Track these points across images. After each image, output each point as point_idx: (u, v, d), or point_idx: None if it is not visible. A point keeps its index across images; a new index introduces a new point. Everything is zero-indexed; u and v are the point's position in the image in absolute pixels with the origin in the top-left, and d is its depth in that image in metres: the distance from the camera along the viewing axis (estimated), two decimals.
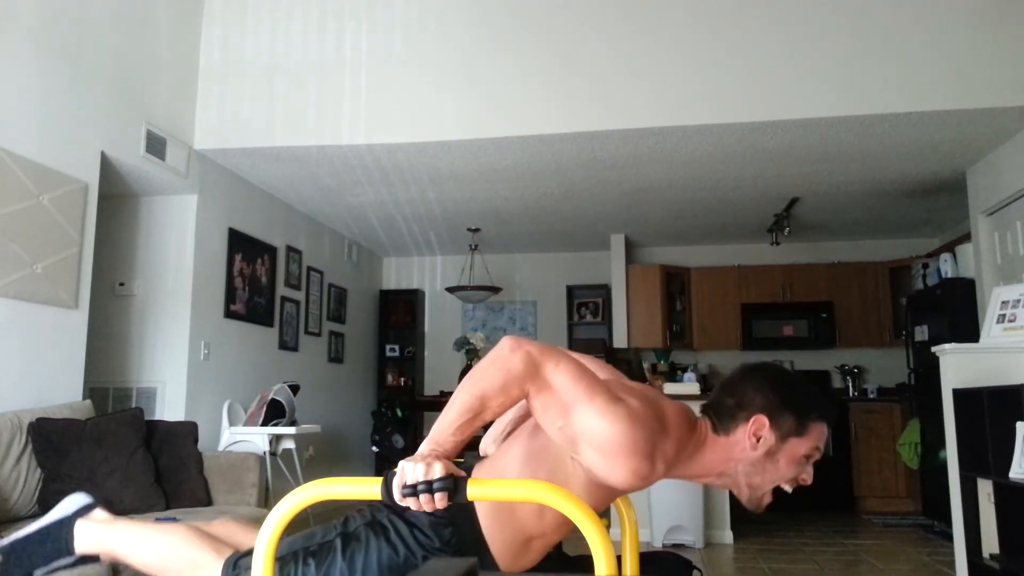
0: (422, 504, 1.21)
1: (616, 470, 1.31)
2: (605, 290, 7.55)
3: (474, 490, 1.22)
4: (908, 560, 4.41)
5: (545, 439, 1.41)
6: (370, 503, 1.48)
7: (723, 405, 1.45)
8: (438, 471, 1.21)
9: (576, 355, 1.43)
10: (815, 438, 1.41)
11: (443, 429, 1.28)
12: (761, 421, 1.39)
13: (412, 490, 1.21)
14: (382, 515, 1.48)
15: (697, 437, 1.43)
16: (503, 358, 1.29)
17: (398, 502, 1.23)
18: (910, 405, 5.99)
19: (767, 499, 1.44)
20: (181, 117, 4.41)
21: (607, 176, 5.09)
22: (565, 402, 1.30)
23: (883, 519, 5.91)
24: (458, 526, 1.44)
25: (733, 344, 7.08)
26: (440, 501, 1.21)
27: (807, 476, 1.42)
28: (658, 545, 4.62)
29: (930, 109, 3.93)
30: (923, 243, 7.04)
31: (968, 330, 4.64)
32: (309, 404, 5.79)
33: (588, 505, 1.39)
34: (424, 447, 1.27)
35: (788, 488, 1.44)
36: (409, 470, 1.21)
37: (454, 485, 1.21)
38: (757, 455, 1.40)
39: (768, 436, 1.39)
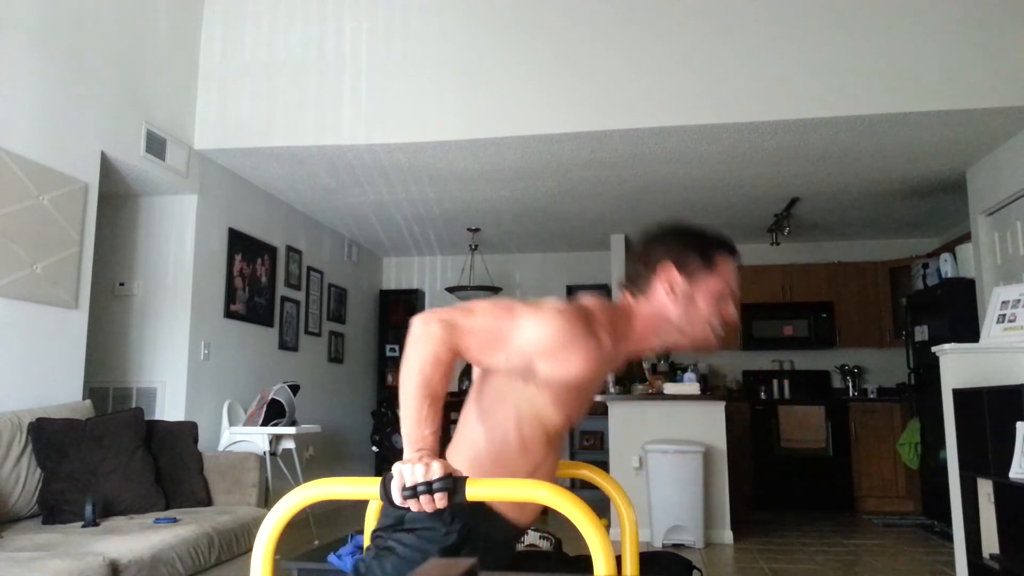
0: (423, 505, 1.21)
1: (572, 360, 1.33)
2: (605, 290, 7.54)
3: (473, 489, 1.22)
4: (908, 560, 4.41)
5: (493, 390, 1.42)
6: (373, 535, 1.47)
7: (635, 272, 1.49)
8: (437, 471, 1.21)
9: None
10: (724, 272, 1.46)
11: (414, 426, 1.27)
12: (669, 269, 1.43)
13: (412, 492, 1.21)
14: (383, 540, 1.47)
15: (624, 310, 1.47)
16: (420, 334, 1.29)
17: (398, 504, 1.23)
18: (910, 405, 6.00)
19: (710, 336, 1.46)
20: (181, 117, 4.41)
21: (607, 176, 5.09)
22: (497, 334, 1.32)
23: (883, 519, 5.91)
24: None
25: (733, 344, 7.07)
26: (440, 501, 1.21)
27: (730, 312, 1.46)
28: (658, 545, 4.62)
29: (930, 109, 3.93)
30: (923, 243, 7.04)
31: (968, 330, 4.64)
32: (309, 404, 5.79)
33: (570, 415, 1.41)
34: (410, 449, 1.26)
35: (720, 329, 1.47)
36: (408, 472, 1.21)
37: (453, 484, 1.21)
38: (678, 302, 1.43)
39: (680, 281, 1.43)
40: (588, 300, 1.45)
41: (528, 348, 1.33)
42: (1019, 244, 4.31)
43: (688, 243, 1.46)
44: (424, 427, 1.28)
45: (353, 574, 1.48)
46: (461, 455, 1.45)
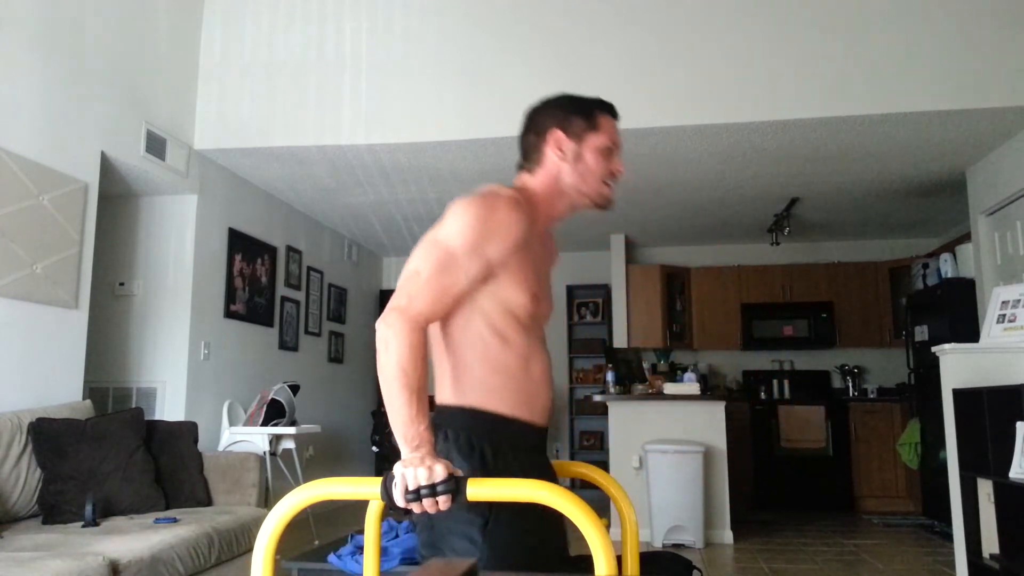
0: (425, 507, 1.21)
1: (508, 220, 1.40)
2: (605, 290, 7.55)
3: (474, 490, 1.22)
4: (908, 560, 4.41)
5: (457, 329, 1.44)
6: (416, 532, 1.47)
7: (526, 146, 1.60)
8: (440, 473, 1.21)
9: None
10: (606, 128, 1.55)
11: (408, 424, 1.28)
12: (556, 134, 1.54)
13: (415, 495, 1.21)
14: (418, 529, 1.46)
15: (526, 189, 1.56)
16: (385, 334, 1.31)
17: (401, 507, 1.23)
18: (910, 405, 6.00)
19: (606, 191, 1.56)
20: (181, 117, 4.41)
21: None
22: (445, 266, 1.36)
23: (883, 519, 5.91)
24: (463, 431, 1.43)
25: (733, 344, 7.08)
26: (444, 503, 1.21)
27: (618, 166, 1.56)
28: (658, 545, 4.62)
29: (930, 109, 3.93)
30: (923, 243, 7.04)
31: (968, 330, 4.64)
32: (309, 404, 5.79)
33: (535, 292, 1.45)
34: (408, 448, 1.26)
35: (610, 183, 1.56)
36: (411, 476, 1.21)
37: (456, 485, 1.21)
38: (569, 163, 1.53)
39: (567, 143, 1.53)
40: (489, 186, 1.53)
41: (469, 243, 1.37)
42: (1019, 244, 4.31)
43: (570, 107, 1.56)
44: (418, 423, 1.28)
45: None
46: (452, 387, 1.46)
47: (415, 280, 1.36)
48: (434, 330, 1.48)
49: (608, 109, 1.59)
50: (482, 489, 1.23)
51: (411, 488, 1.21)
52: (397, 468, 1.24)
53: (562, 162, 1.54)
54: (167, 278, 4.46)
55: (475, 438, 1.41)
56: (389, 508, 1.42)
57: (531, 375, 1.48)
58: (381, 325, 1.33)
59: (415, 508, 1.22)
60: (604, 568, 1.13)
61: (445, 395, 1.48)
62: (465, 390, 1.44)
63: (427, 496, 1.21)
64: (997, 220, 4.60)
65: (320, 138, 4.41)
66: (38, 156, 3.36)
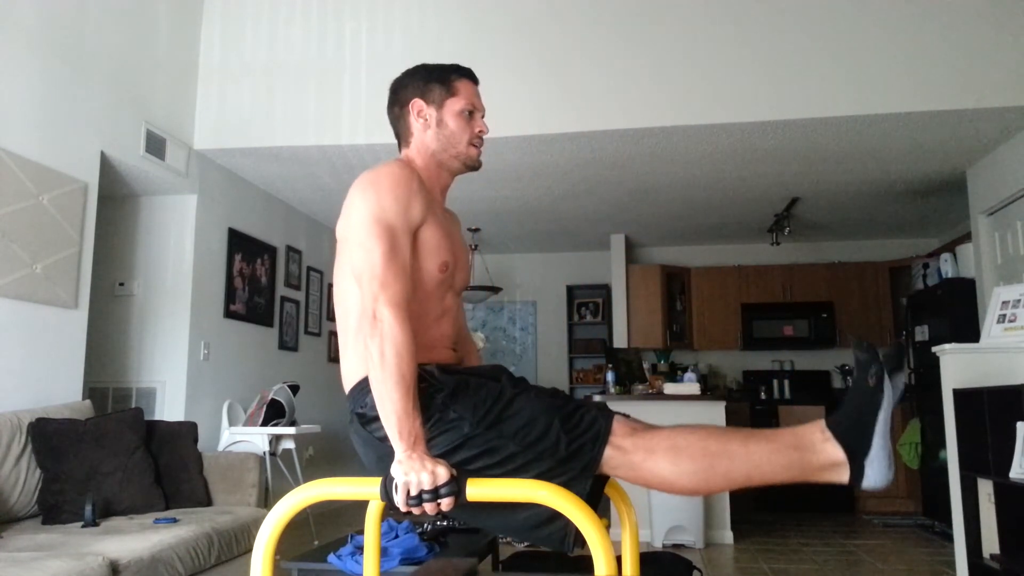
0: (427, 510, 1.21)
1: (409, 185, 1.45)
2: (605, 290, 7.55)
3: (473, 490, 1.22)
4: (908, 560, 4.41)
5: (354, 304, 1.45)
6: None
7: (393, 121, 1.66)
8: (443, 476, 1.21)
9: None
10: (464, 91, 1.61)
11: (403, 418, 1.27)
12: (416, 104, 1.60)
13: (417, 499, 1.21)
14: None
15: (408, 164, 1.57)
16: (376, 329, 1.32)
17: (403, 510, 1.23)
18: (910, 405, 5.99)
19: (472, 153, 1.61)
20: (181, 117, 4.41)
21: (607, 176, 5.08)
22: (393, 237, 1.40)
23: (883, 519, 5.91)
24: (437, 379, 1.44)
25: (733, 344, 7.08)
26: (446, 505, 1.21)
27: (480, 126, 1.62)
28: (658, 545, 4.62)
29: (930, 109, 3.93)
30: (923, 243, 7.04)
31: (968, 330, 4.64)
32: (309, 404, 5.78)
33: (446, 259, 1.48)
34: (403, 444, 1.26)
35: (476, 145, 1.62)
36: (414, 481, 1.21)
37: (457, 487, 1.21)
38: (432, 130, 1.59)
39: (428, 110, 1.59)
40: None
41: (396, 211, 1.41)
42: (1019, 244, 4.30)
43: (427, 76, 1.62)
44: (413, 418, 1.28)
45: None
46: (356, 360, 1.46)
47: (374, 274, 1.37)
48: (338, 310, 1.52)
49: (465, 73, 1.64)
50: (482, 489, 1.23)
51: (414, 494, 1.21)
52: (396, 471, 1.23)
53: (426, 129, 1.59)
54: (167, 278, 4.45)
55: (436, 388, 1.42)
56: (389, 508, 1.42)
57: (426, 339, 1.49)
58: (371, 343, 1.32)
59: (415, 511, 1.22)
60: (604, 568, 1.12)
61: (354, 370, 1.48)
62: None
63: (429, 500, 1.21)
64: (997, 220, 4.60)
65: (320, 138, 4.41)
66: (38, 156, 3.36)
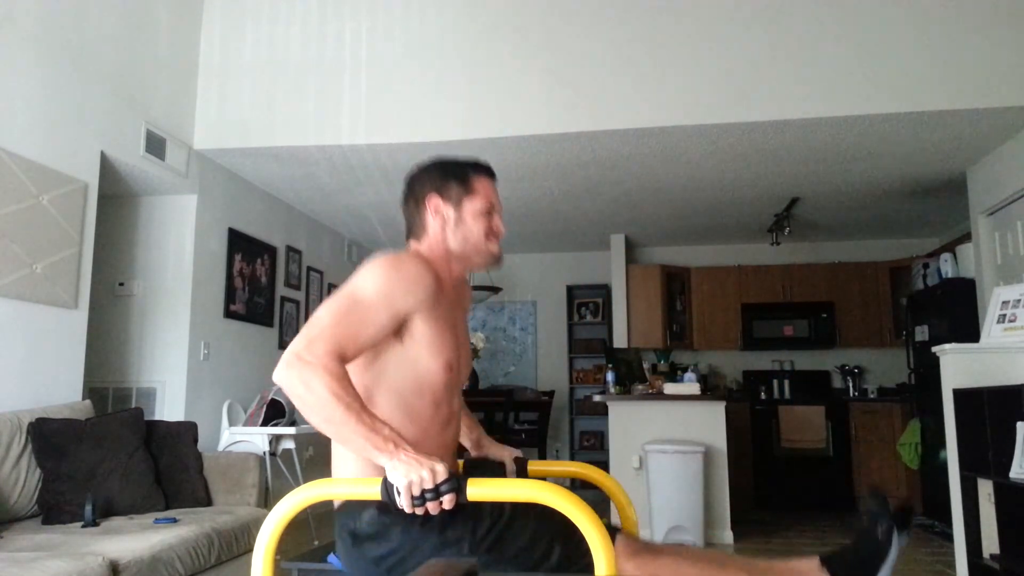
0: (430, 509, 1.22)
1: (418, 281, 1.41)
2: (605, 290, 7.55)
3: (473, 489, 1.22)
4: (908, 560, 4.41)
5: (362, 385, 1.43)
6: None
7: (408, 215, 1.61)
8: (442, 473, 1.21)
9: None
10: (482, 191, 1.58)
11: (371, 435, 1.26)
12: (433, 200, 1.56)
13: (420, 499, 1.21)
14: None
15: (421, 254, 1.54)
16: (296, 377, 1.28)
17: (407, 510, 1.23)
18: (910, 405, 5.99)
19: (493, 249, 1.59)
20: (181, 117, 4.41)
21: (607, 176, 5.08)
22: (354, 314, 1.36)
23: None
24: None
25: (733, 344, 7.08)
26: (448, 502, 1.21)
27: (498, 225, 1.60)
28: None
29: (930, 109, 3.93)
30: (923, 243, 7.04)
31: (968, 330, 4.64)
32: None
33: (449, 359, 1.46)
34: (386, 454, 1.25)
35: (494, 244, 1.59)
36: (416, 481, 1.21)
37: (458, 485, 1.21)
38: (450, 228, 1.56)
39: (445, 208, 1.56)
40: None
41: (378, 292, 1.37)
42: (1019, 244, 4.30)
43: (445, 174, 1.59)
44: (380, 428, 1.27)
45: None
46: (349, 457, 1.44)
47: (316, 325, 1.34)
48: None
49: (483, 170, 1.61)
50: (482, 489, 1.23)
51: (416, 494, 1.21)
52: (394, 476, 1.23)
53: (444, 228, 1.56)
54: (167, 278, 4.45)
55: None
56: (393, 509, 1.42)
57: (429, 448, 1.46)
58: (288, 371, 1.29)
59: (418, 511, 1.22)
60: (604, 568, 1.13)
61: (341, 461, 1.46)
62: (364, 465, 1.41)
63: (432, 499, 1.21)
64: (997, 220, 4.60)
65: (320, 138, 4.41)
66: (38, 156, 3.36)
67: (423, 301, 1.41)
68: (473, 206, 1.56)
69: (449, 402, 1.51)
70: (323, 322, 1.34)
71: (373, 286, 1.38)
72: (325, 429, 1.29)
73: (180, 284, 4.45)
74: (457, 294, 1.60)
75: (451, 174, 1.58)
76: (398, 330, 1.42)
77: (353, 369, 1.39)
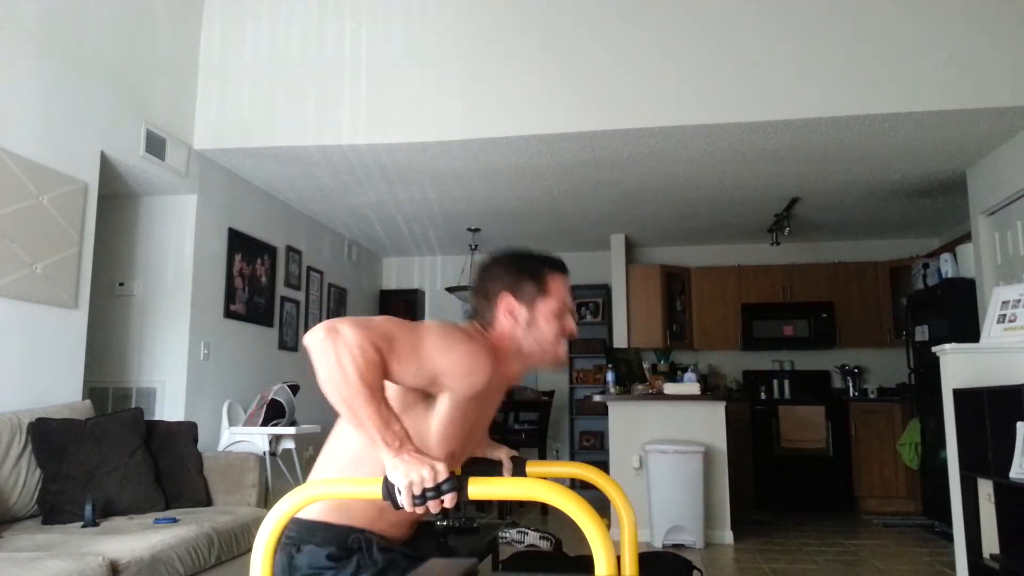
0: (430, 508, 1.22)
1: (475, 372, 1.39)
2: (605, 290, 7.55)
3: (474, 488, 1.22)
4: (908, 560, 4.41)
5: (357, 449, 1.44)
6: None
7: (478, 306, 1.57)
8: (443, 472, 1.21)
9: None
10: (557, 291, 1.55)
11: (383, 428, 1.26)
12: (507, 299, 1.52)
13: (422, 498, 1.21)
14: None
15: (492, 351, 1.52)
16: (333, 343, 1.27)
17: (408, 510, 1.23)
18: (910, 405, 5.99)
19: (560, 352, 1.56)
20: (181, 117, 4.41)
21: (607, 176, 5.08)
22: (410, 344, 1.34)
23: (883, 519, 5.91)
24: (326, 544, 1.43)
25: (733, 344, 7.08)
26: (450, 501, 1.21)
27: (570, 326, 1.56)
28: (658, 545, 4.62)
29: (930, 109, 3.93)
30: (923, 243, 7.04)
31: (968, 330, 4.64)
32: (309, 404, 5.78)
33: (454, 449, 1.44)
34: (391, 450, 1.24)
35: (563, 344, 1.56)
36: (417, 480, 1.21)
37: (459, 483, 1.21)
38: (521, 328, 1.52)
39: (518, 308, 1.52)
40: (465, 326, 1.52)
41: (439, 356, 1.35)
42: (1019, 244, 4.30)
43: (520, 271, 1.55)
44: (393, 423, 1.27)
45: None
46: (327, 505, 1.45)
47: (371, 321, 1.33)
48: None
49: (558, 267, 1.58)
50: (483, 487, 1.23)
51: (417, 493, 1.21)
52: (395, 475, 1.23)
53: (515, 328, 1.52)
54: (167, 278, 4.45)
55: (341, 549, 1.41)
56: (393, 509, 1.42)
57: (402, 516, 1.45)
58: (325, 338, 1.27)
59: (419, 510, 1.23)
60: (605, 568, 1.12)
61: (312, 511, 1.47)
62: (348, 511, 1.44)
63: (432, 498, 1.21)
64: (997, 220, 4.60)
65: (320, 138, 4.41)
66: (38, 156, 3.36)
67: (465, 393, 1.40)
68: (547, 307, 1.53)
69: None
70: (379, 323, 1.33)
71: (442, 345, 1.37)
72: (340, 407, 1.28)
73: (180, 284, 4.45)
74: (503, 383, 1.57)
75: (525, 272, 1.54)
76: (426, 394, 1.41)
77: None
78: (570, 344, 6.59)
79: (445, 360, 1.37)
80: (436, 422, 1.42)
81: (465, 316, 1.63)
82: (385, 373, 1.32)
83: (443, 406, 1.42)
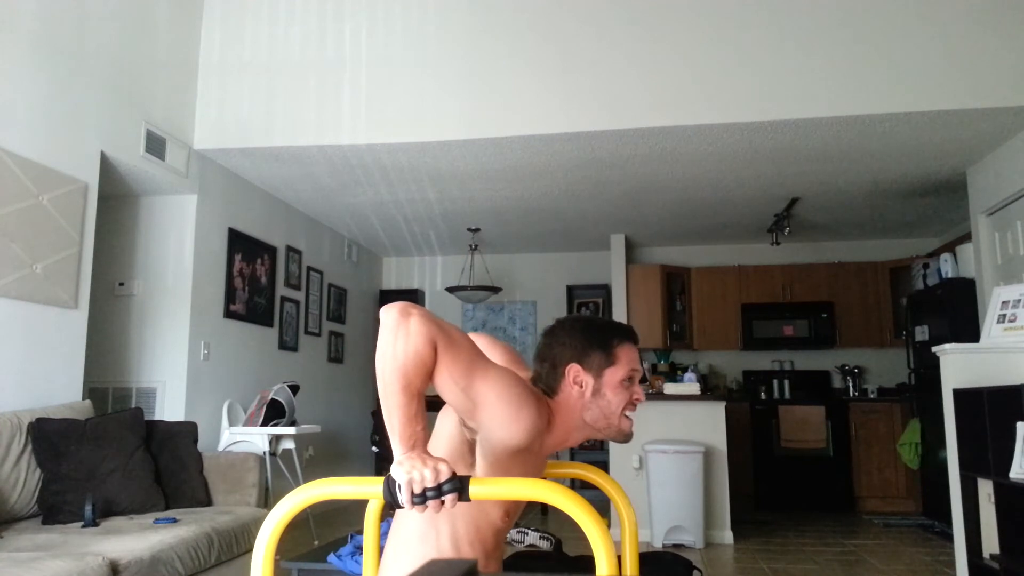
0: (431, 508, 1.21)
1: (517, 419, 1.34)
2: (605, 290, 7.55)
3: (476, 488, 1.22)
4: (908, 560, 4.41)
5: (416, 537, 1.41)
6: None
7: (543, 372, 1.52)
8: (445, 472, 1.21)
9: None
10: (626, 361, 1.51)
11: (406, 423, 1.25)
12: (575, 369, 1.48)
13: (422, 497, 1.21)
14: None
15: (551, 411, 1.50)
16: (404, 327, 1.25)
17: (407, 508, 1.23)
18: (910, 405, 6.00)
19: (625, 426, 1.51)
20: (181, 117, 4.41)
21: (607, 176, 5.08)
22: (469, 360, 1.32)
23: (883, 519, 5.91)
24: None
25: (733, 344, 7.08)
26: (450, 502, 1.21)
27: (638, 394, 1.52)
28: (658, 545, 4.62)
29: (930, 109, 3.93)
30: (923, 243, 7.04)
31: (968, 330, 4.64)
32: (309, 404, 5.78)
33: (508, 508, 1.41)
34: (403, 447, 1.24)
35: (630, 414, 1.52)
36: (417, 478, 1.21)
37: (460, 484, 1.21)
38: (587, 398, 1.48)
39: (586, 378, 1.48)
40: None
41: (485, 389, 1.32)
42: (1019, 244, 4.31)
43: (589, 341, 1.50)
44: (415, 423, 1.26)
45: None
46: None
47: (447, 330, 1.30)
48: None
49: (628, 336, 1.54)
50: (485, 488, 1.23)
51: (418, 492, 1.21)
52: (397, 470, 1.23)
53: (581, 397, 1.48)
54: (167, 278, 4.45)
55: None
56: (389, 508, 1.42)
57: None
58: (399, 319, 1.26)
59: (418, 510, 1.22)
60: (606, 567, 1.12)
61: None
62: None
63: (433, 498, 1.21)
64: (997, 220, 4.60)
65: (320, 138, 4.41)
66: (38, 156, 3.36)
67: (501, 441, 1.36)
68: (615, 376, 1.49)
69: (496, 552, 1.49)
70: (451, 329, 1.31)
71: (496, 379, 1.33)
72: (380, 385, 1.27)
73: (180, 284, 4.44)
74: (547, 448, 1.52)
75: (595, 342, 1.50)
76: (472, 455, 1.39)
77: None
78: None
79: (494, 392, 1.33)
80: (478, 471, 1.40)
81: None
82: (432, 372, 1.31)
83: (482, 457, 1.39)
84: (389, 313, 1.28)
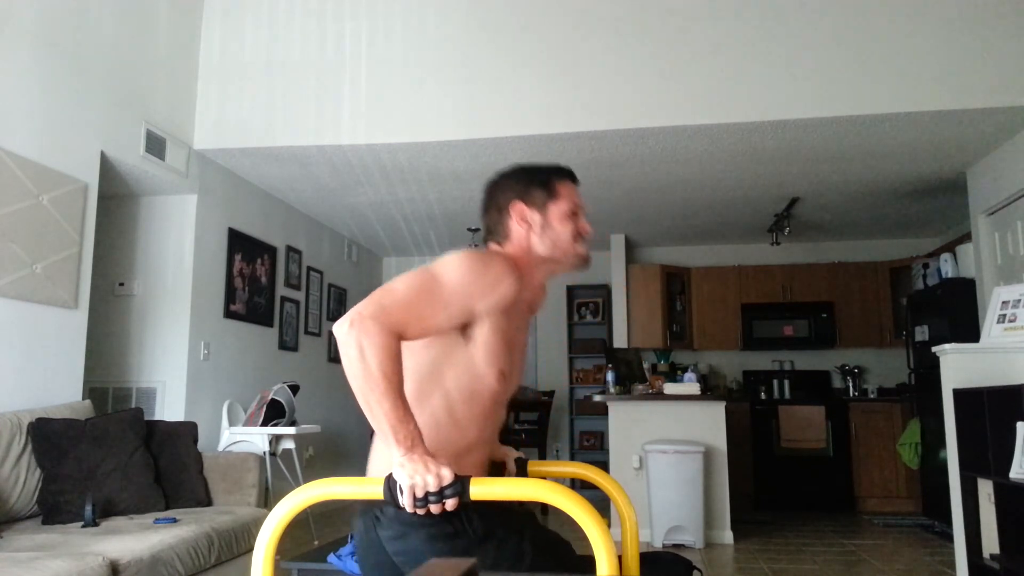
0: (432, 511, 1.22)
1: (501, 277, 1.40)
2: (605, 290, 7.55)
3: (476, 488, 1.22)
4: (908, 560, 4.41)
5: (419, 374, 1.40)
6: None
7: (490, 223, 1.59)
8: (448, 478, 1.21)
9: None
10: (567, 195, 1.57)
11: (399, 425, 1.25)
12: (519, 207, 1.54)
13: (423, 501, 1.21)
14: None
15: (509, 257, 1.53)
16: (355, 337, 1.27)
17: (408, 511, 1.23)
18: (910, 405, 5.99)
19: (580, 250, 1.57)
20: (181, 117, 4.41)
21: (607, 176, 5.08)
22: (428, 295, 1.35)
23: (883, 519, 5.91)
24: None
25: (733, 344, 7.08)
26: (451, 505, 1.22)
27: (584, 225, 1.58)
28: (658, 545, 4.62)
29: (930, 109, 3.93)
30: (923, 243, 7.04)
31: (968, 330, 4.64)
32: (309, 404, 5.78)
33: (503, 369, 1.43)
34: (402, 447, 1.24)
35: (582, 245, 1.58)
36: (420, 483, 1.21)
37: (462, 487, 1.21)
38: (537, 233, 1.54)
39: (531, 214, 1.54)
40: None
41: (458, 283, 1.36)
42: (1019, 244, 4.31)
43: (529, 179, 1.57)
44: (407, 422, 1.26)
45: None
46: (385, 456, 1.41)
47: (391, 294, 1.33)
48: None
49: (567, 174, 1.60)
50: (485, 488, 1.23)
51: (419, 496, 1.21)
52: (399, 472, 1.23)
53: (530, 234, 1.54)
54: (167, 278, 4.45)
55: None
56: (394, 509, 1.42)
57: (469, 460, 1.45)
58: (349, 331, 1.27)
59: (419, 512, 1.23)
60: (606, 568, 1.12)
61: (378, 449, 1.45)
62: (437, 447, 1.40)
63: (435, 502, 1.21)
64: (997, 220, 4.60)
65: (320, 138, 4.41)
66: (38, 156, 3.36)
67: (498, 305, 1.40)
68: (559, 209, 1.55)
69: (494, 415, 1.50)
70: (397, 294, 1.33)
71: (457, 276, 1.37)
72: (360, 398, 1.28)
73: (180, 284, 4.44)
74: (531, 299, 1.58)
75: (535, 180, 1.57)
76: (465, 327, 1.41)
77: (412, 355, 1.38)
78: (569, 344, 6.59)
79: (469, 286, 1.37)
80: (481, 349, 1.41)
81: (473, 244, 1.62)
82: (422, 333, 1.35)
83: (482, 332, 1.41)
84: (340, 328, 1.29)
